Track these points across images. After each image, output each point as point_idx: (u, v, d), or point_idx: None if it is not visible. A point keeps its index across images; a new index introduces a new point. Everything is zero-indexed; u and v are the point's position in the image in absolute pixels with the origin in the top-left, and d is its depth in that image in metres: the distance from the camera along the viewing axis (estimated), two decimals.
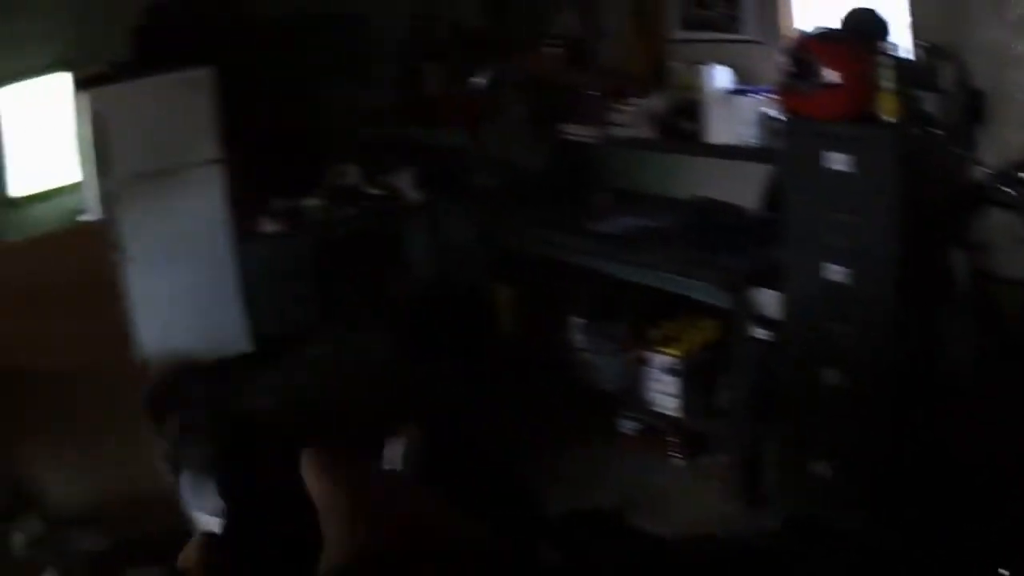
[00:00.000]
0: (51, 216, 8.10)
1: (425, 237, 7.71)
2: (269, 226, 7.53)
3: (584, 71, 6.44)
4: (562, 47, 6.55)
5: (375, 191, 7.74)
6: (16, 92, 8.16)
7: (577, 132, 6.31)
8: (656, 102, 5.69)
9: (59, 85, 8.21)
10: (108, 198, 7.11)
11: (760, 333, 4.75)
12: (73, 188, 8.20)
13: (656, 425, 5.43)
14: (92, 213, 7.63)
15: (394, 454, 1.83)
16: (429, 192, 7.63)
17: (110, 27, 7.61)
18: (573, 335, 6.06)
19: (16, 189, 8.23)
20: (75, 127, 8.08)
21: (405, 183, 7.69)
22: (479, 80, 6.97)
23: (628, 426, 5.56)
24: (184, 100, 7.29)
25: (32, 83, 8.23)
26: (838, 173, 4.26)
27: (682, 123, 5.52)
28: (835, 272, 4.34)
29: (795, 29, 5.14)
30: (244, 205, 7.43)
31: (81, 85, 7.33)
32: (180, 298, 6.87)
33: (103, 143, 7.13)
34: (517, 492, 1.85)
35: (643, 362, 5.41)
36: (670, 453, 5.33)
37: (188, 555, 0.95)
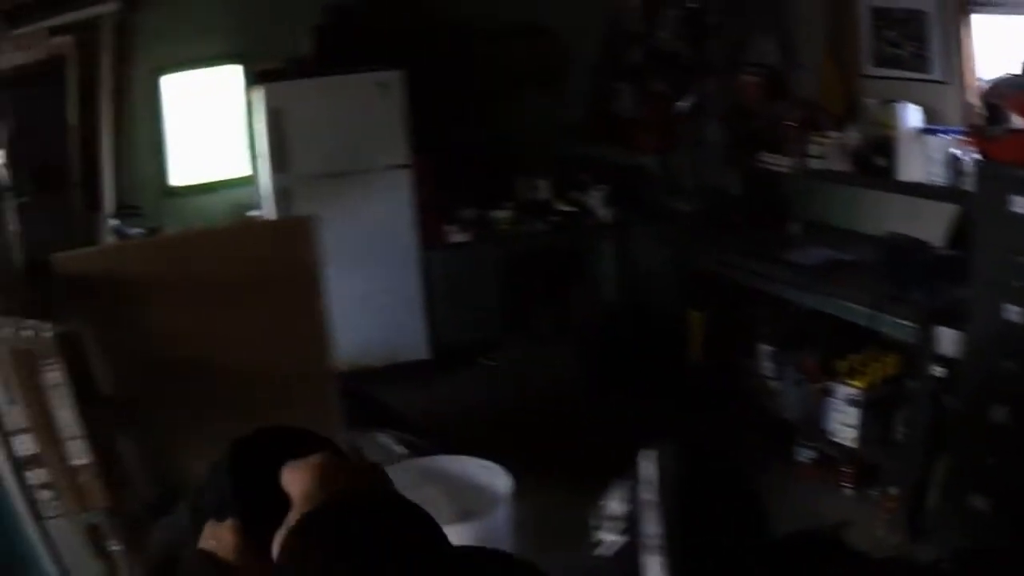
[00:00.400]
0: (213, 208, 8.76)
1: (614, 256, 8.27)
2: (456, 235, 8.15)
3: (781, 101, 6.92)
4: (760, 75, 7.07)
5: (565, 207, 8.36)
6: (183, 80, 8.97)
7: (772, 161, 6.82)
8: (850, 136, 6.22)
9: (229, 77, 9.02)
10: (283, 195, 7.79)
11: (936, 369, 5.18)
12: (239, 182, 8.95)
13: (831, 455, 5.93)
14: (262, 210, 8.24)
15: (648, 471, 2.51)
16: (619, 211, 8.22)
17: (286, 22, 8.28)
18: (760, 362, 6.61)
19: (177, 178, 9.03)
20: (247, 121, 8.81)
21: (595, 201, 8.28)
22: (683, 104, 7.54)
23: (805, 455, 6.08)
24: (372, 102, 7.87)
25: (201, 72, 9.03)
26: None
27: (874, 158, 6.03)
28: (1015, 313, 4.73)
29: (981, 72, 5.63)
30: (431, 213, 8.06)
31: (256, 79, 8.10)
32: (360, 302, 7.27)
33: (280, 139, 7.81)
34: (756, 510, 2.46)
35: (827, 392, 5.93)
36: (842, 483, 5.84)
37: (219, 536, 1.20)
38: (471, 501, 4.64)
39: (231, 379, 3.74)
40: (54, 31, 6.78)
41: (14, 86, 5.21)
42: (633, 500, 3.07)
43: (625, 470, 3.51)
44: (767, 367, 6.56)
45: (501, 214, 8.38)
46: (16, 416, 3.58)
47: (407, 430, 5.71)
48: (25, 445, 3.59)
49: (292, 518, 1.05)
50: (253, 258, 3.74)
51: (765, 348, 6.58)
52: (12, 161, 4.58)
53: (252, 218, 7.93)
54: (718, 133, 7.47)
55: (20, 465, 3.62)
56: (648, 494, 2.46)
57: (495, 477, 4.72)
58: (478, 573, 1.04)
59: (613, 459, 5.69)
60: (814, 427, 6.03)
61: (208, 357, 3.72)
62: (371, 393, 6.17)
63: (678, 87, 7.81)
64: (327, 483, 1.09)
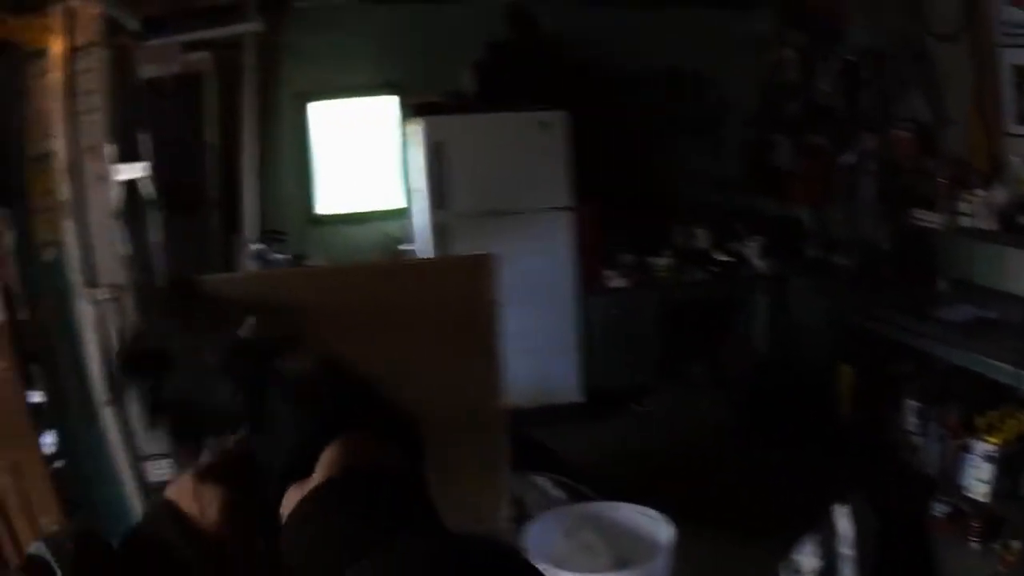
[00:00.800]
0: (360, 239, 9.18)
1: (768, 307, 8.71)
2: (615, 280, 8.68)
3: (932, 157, 7.27)
4: (912, 131, 7.44)
5: (722, 257, 8.80)
6: (333, 108, 9.69)
7: (923, 217, 7.20)
8: (996, 194, 6.53)
9: (382, 107, 9.71)
10: (441, 232, 8.28)
11: None
12: (389, 215, 9.37)
13: (964, 509, 6.25)
14: (415, 244, 8.77)
15: (845, 526, 3.23)
16: (775, 263, 8.65)
17: (445, 56, 8.85)
18: (906, 417, 6.97)
19: (325, 207, 9.74)
20: (401, 153, 9.24)
21: (751, 252, 8.71)
22: (842, 157, 7.98)
23: (940, 509, 6.39)
24: (535, 141, 8.35)
25: (352, 101, 9.73)
26: None
27: (1019, 217, 6.39)
28: None
29: None
30: (591, 256, 8.55)
31: (414, 111, 8.62)
32: (516, 341, 6.70)
33: (440, 175, 8.32)
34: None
35: (965, 448, 6.28)
36: (969, 537, 6.17)
37: (199, 493, 1.27)
38: (629, 548, 4.81)
39: None
40: (190, 46, 7.15)
41: (147, 100, 5.38)
42: (828, 554, 3.58)
43: (784, 523, 4.10)
44: (912, 422, 6.90)
45: (660, 261, 8.88)
46: (156, 440, 3.73)
47: (566, 474, 5.91)
48: (163, 471, 3.78)
49: (314, 481, 1.14)
50: (430, 293, 3.82)
51: (911, 403, 6.91)
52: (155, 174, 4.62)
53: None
54: (872, 187, 7.87)
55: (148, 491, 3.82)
56: (846, 548, 3.05)
57: (656, 525, 4.84)
58: (472, 557, 1.05)
59: (768, 510, 6.35)
60: (951, 482, 6.36)
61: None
62: (531, 435, 6.33)
63: (835, 140, 8.26)
64: (353, 456, 1.19)
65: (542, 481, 5.84)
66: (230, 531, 1.23)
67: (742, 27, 9.27)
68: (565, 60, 9.03)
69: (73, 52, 3.64)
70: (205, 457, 1.32)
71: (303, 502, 1.13)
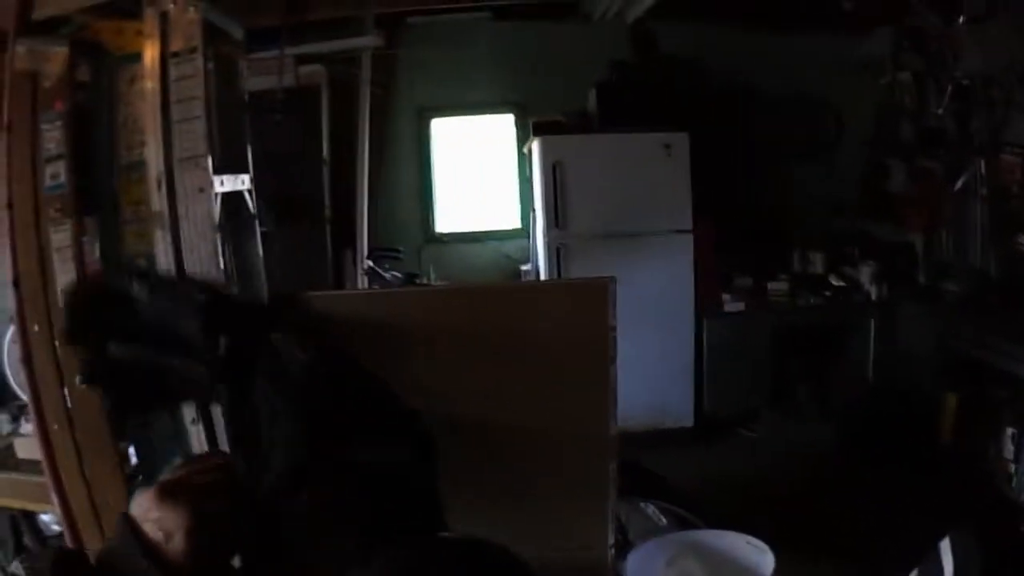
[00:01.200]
0: (477, 258, 9.24)
1: (877, 333, 8.58)
2: (731, 304, 8.62)
3: None
4: (1020, 156, 7.35)
5: (837, 282, 8.73)
6: (451, 125, 9.67)
7: None
8: None
9: (501, 125, 9.67)
10: (558, 253, 8.23)
11: None
12: (507, 234, 9.44)
13: None
14: (531, 264, 8.78)
15: (954, 559, 3.09)
16: (886, 289, 8.55)
17: (566, 76, 8.97)
18: (1004, 445, 6.89)
19: (441, 225, 9.71)
20: (520, 173, 9.26)
21: (865, 277, 8.63)
22: (958, 183, 7.86)
23: None
24: (657, 163, 8.28)
25: (470, 119, 9.70)
26: None
27: None
28: None
29: None
30: (708, 279, 8.51)
31: (534, 131, 8.54)
32: (630, 365, 6.77)
33: (559, 195, 8.26)
34: None
35: None
36: None
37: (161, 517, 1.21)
38: None
39: (496, 441, 3.75)
40: (302, 59, 7.22)
41: (255, 111, 5.27)
42: None
43: (883, 553, 3.95)
44: (1010, 450, 6.83)
45: (777, 285, 8.81)
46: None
47: (672, 500, 5.86)
48: None
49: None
50: (546, 317, 3.71)
51: (1010, 431, 6.84)
52: (257, 187, 4.58)
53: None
54: (981, 213, 7.80)
55: None
56: None
57: (759, 555, 4.76)
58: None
59: (868, 540, 6.20)
60: None
61: (472, 418, 3.69)
62: (639, 461, 6.30)
63: (947, 165, 8.16)
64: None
65: (650, 508, 5.80)
66: (198, 560, 1.16)
67: (860, 51, 9.16)
68: (686, 81, 9.02)
69: (169, 58, 3.52)
70: (168, 473, 1.25)
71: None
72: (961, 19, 7.69)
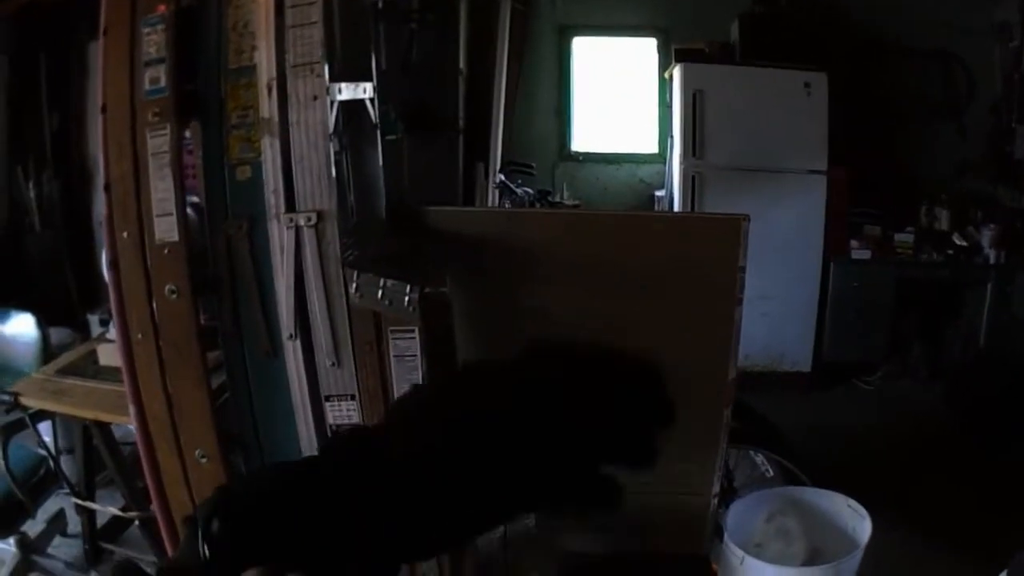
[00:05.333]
0: (611, 180, 9.31)
1: (992, 298, 8.56)
2: (858, 251, 8.57)
3: None
4: None
5: (959, 241, 8.69)
6: (593, 44, 9.47)
7: None
8: None
9: (644, 49, 9.47)
10: (692, 180, 8.23)
11: None
12: (643, 159, 9.39)
13: None
14: (665, 191, 8.79)
15: None
16: (1005, 253, 8.53)
17: (712, 4, 8.96)
18: None
19: (577, 144, 9.51)
20: (660, 98, 9.26)
21: (985, 240, 8.62)
22: None
23: None
24: (796, 101, 8.26)
25: (613, 40, 9.50)
26: None
27: None
28: None
29: None
30: (839, 223, 8.47)
31: (677, 57, 8.53)
32: (754, 304, 7.47)
33: (697, 124, 8.24)
34: None
35: None
36: None
37: None
38: (827, 538, 4.71)
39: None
40: None
41: (390, 19, 5.05)
42: None
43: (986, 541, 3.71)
44: None
45: (903, 237, 8.75)
46: (340, 381, 3.49)
47: (783, 454, 5.72)
48: (343, 413, 3.53)
49: None
50: (678, 251, 3.50)
51: None
52: (382, 96, 4.25)
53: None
54: None
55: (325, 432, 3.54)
56: None
57: (858, 520, 4.68)
58: None
59: (968, 521, 5.98)
60: None
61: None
62: (753, 407, 6.07)
63: None
64: None
65: (758, 456, 5.75)
66: None
67: (993, 16, 9.11)
68: (826, 22, 8.95)
69: None
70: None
71: None
72: None
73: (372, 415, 3.26)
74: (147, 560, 5.25)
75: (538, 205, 8.14)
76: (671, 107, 8.76)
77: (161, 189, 3.39)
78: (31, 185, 8.82)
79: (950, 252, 8.72)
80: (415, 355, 3.43)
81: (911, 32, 9.09)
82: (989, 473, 6.86)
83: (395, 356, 3.44)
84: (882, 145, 9.09)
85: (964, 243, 8.73)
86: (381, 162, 4.04)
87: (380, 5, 4.70)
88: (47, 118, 8.90)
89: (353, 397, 3.53)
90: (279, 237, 3.43)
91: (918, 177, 9.17)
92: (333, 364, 3.48)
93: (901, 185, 9.01)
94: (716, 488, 3.74)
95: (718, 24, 8.88)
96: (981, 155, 9.29)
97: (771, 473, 5.64)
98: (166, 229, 3.42)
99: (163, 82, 3.38)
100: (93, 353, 5.53)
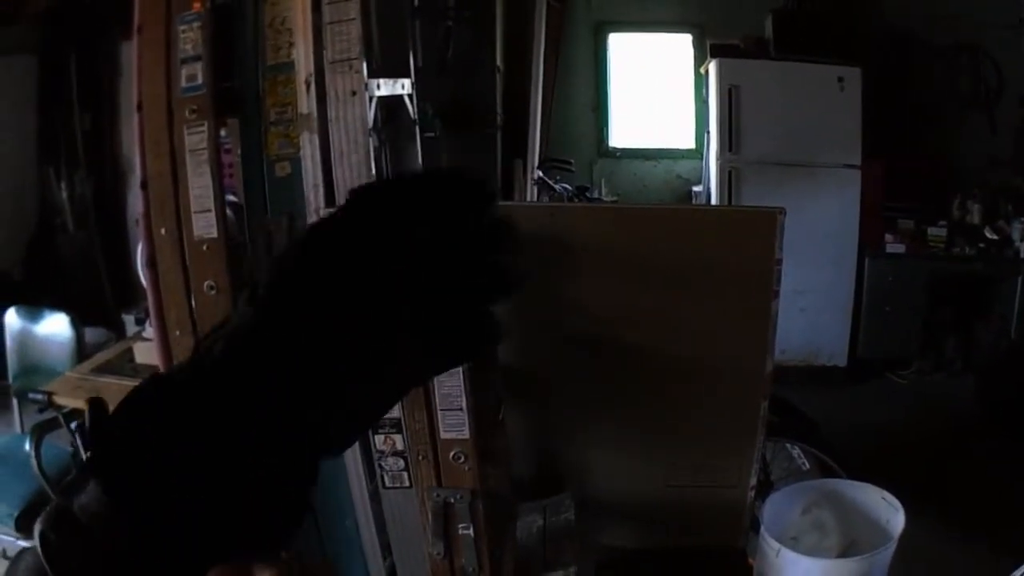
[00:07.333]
0: (649, 176, 9.30)
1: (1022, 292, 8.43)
2: (892, 245, 8.49)
3: None
4: None
5: (991, 235, 8.60)
6: (630, 40, 9.44)
7: None
8: None
9: (679, 45, 9.44)
10: (729, 175, 8.20)
11: None
12: (681, 154, 9.36)
13: None
14: (703, 186, 8.75)
15: None
16: None
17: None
18: None
19: (617, 140, 9.49)
20: (696, 93, 9.23)
21: (1016, 234, 8.53)
22: None
23: None
24: (831, 95, 8.17)
25: (649, 36, 9.47)
26: None
27: None
28: None
29: None
30: (873, 218, 8.41)
31: (712, 52, 8.51)
32: (790, 298, 7.22)
33: (733, 119, 8.19)
34: None
35: None
36: None
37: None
38: (861, 530, 4.55)
39: (652, 368, 3.61)
40: None
41: (427, 17, 5.13)
42: None
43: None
44: None
45: (936, 231, 8.65)
46: None
47: (818, 447, 5.66)
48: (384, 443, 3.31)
49: None
50: (716, 244, 3.51)
51: None
52: (420, 92, 4.40)
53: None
54: None
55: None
56: None
57: (892, 513, 4.42)
58: None
59: (995, 510, 5.95)
60: None
61: (631, 341, 3.58)
62: (789, 400, 5.91)
63: None
64: None
65: (794, 450, 5.71)
66: None
67: (1021, 10, 8.96)
68: (859, 17, 8.83)
69: None
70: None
71: None
72: None
73: (412, 412, 3.10)
74: None
75: (576, 201, 8.03)
76: (707, 102, 8.70)
77: (199, 185, 3.34)
78: (63, 186, 8.82)
79: (981, 246, 8.63)
80: None
81: (941, 26, 8.95)
82: (1022, 466, 6.75)
83: None
84: (914, 139, 9.01)
85: (995, 236, 8.62)
86: (420, 158, 4.24)
87: (417, 2, 4.83)
88: (78, 118, 8.86)
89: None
90: None
91: (950, 170, 9.07)
92: None
93: (933, 179, 8.93)
94: (753, 481, 3.77)
95: (752, 19, 8.79)
96: (1012, 149, 9.19)
97: (807, 466, 5.60)
98: (205, 225, 3.37)
99: (200, 79, 3.32)
100: (129, 351, 5.53)
